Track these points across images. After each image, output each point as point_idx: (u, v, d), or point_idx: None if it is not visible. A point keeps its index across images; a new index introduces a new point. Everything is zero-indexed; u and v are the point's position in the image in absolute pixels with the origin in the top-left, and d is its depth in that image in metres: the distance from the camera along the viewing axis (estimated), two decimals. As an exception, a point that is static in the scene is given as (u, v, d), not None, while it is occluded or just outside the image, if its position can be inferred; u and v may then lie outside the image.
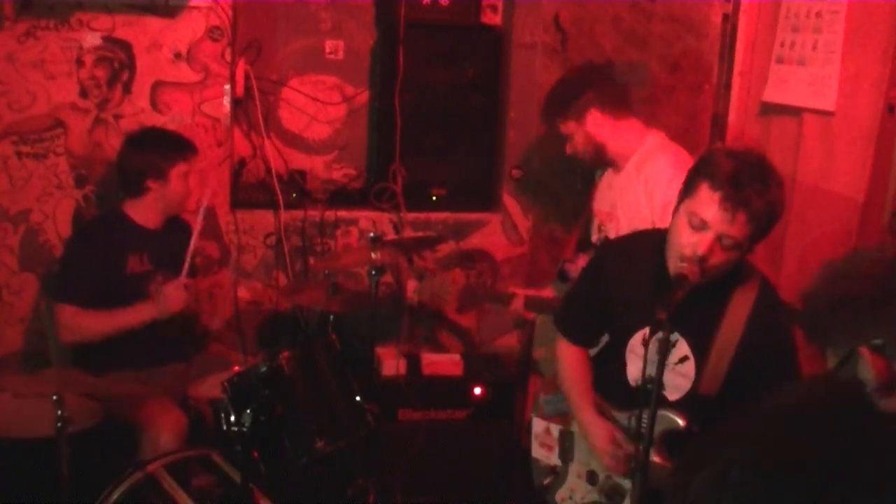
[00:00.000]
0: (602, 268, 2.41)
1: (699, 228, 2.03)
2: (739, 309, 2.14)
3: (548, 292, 3.32)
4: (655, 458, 2.17)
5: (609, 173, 3.08)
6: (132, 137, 3.26)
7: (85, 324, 3.08)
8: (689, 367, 2.19)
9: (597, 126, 2.94)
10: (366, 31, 4.00)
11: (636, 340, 2.26)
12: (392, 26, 3.72)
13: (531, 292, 3.34)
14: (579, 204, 3.88)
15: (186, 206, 3.35)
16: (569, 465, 2.45)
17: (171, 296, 3.06)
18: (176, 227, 3.34)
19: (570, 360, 2.45)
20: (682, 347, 2.18)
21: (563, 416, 2.48)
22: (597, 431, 2.31)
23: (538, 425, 2.54)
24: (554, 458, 2.49)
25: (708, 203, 2.00)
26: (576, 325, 2.47)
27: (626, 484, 2.27)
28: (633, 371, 2.28)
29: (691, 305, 2.01)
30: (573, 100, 2.95)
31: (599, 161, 3.05)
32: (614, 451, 2.27)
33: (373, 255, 3.17)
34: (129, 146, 3.23)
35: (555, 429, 2.49)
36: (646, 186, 2.84)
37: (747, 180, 1.98)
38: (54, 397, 2.36)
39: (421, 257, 3.92)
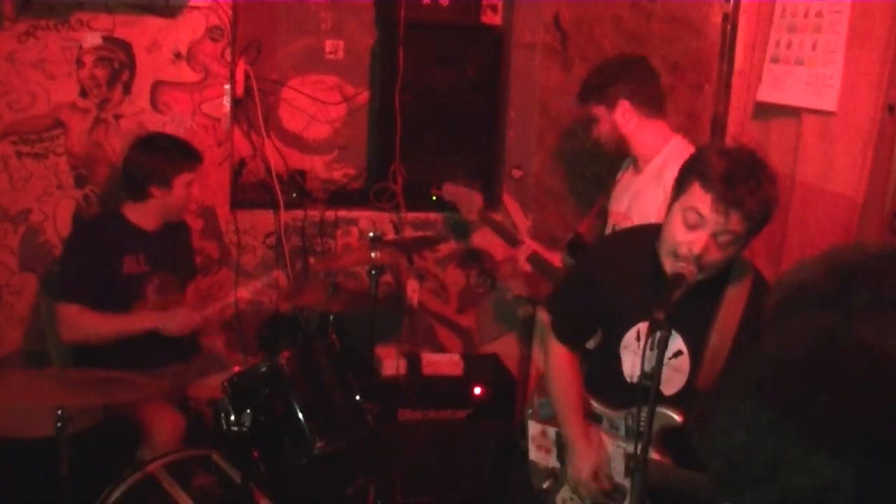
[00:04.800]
0: (595, 264, 2.41)
1: (694, 227, 2.03)
2: (734, 304, 2.14)
3: (556, 258, 3.30)
4: (654, 456, 2.17)
5: (629, 174, 3.06)
6: (141, 141, 3.25)
7: (86, 323, 3.09)
8: (684, 361, 2.20)
9: (625, 118, 2.91)
10: (366, 31, 4.00)
11: (630, 337, 2.26)
12: (392, 26, 3.72)
13: (540, 249, 3.31)
14: (579, 204, 3.89)
15: (185, 212, 3.38)
16: (567, 465, 2.44)
17: (180, 319, 3.11)
18: (174, 230, 3.35)
19: (559, 368, 2.43)
20: (675, 342, 2.18)
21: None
22: (581, 459, 2.32)
23: (534, 428, 2.53)
24: (552, 461, 2.48)
25: (701, 203, 2.00)
26: (567, 321, 2.46)
27: (627, 483, 2.26)
28: (628, 367, 2.28)
29: (685, 300, 2.01)
30: (608, 86, 2.93)
31: (619, 152, 3.03)
32: (589, 485, 2.30)
33: (373, 255, 3.17)
34: (137, 149, 3.22)
35: (551, 431, 2.47)
36: (665, 193, 2.81)
37: (739, 179, 1.98)
38: (55, 397, 2.36)
39: (421, 257, 3.93)
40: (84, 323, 3.09)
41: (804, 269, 0.94)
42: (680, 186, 2.09)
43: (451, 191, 3.56)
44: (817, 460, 0.80)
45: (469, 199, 3.50)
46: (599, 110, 2.96)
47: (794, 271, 0.96)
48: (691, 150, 2.91)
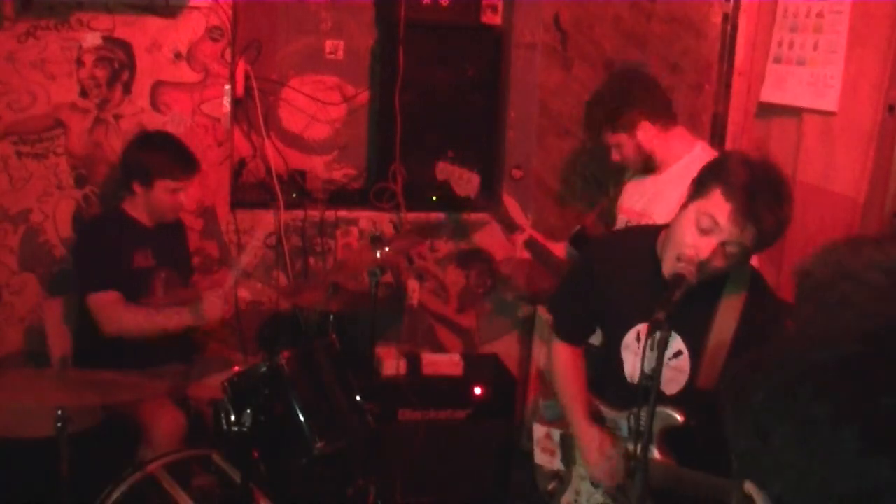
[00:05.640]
0: (594, 263, 2.40)
1: (706, 232, 2.02)
2: (733, 304, 2.14)
3: (559, 249, 3.28)
4: (656, 456, 2.17)
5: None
6: (139, 135, 3.27)
7: (126, 315, 3.07)
8: (684, 361, 2.19)
9: (647, 136, 2.90)
10: (366, 31, 4.00)
11: (631, 337, 2.26)
12: (392, 26, 3.72)
13: (539, 236, 3.29)
14: (579, 204, 3.89)
15: (176, 216, 3.32)
16: (572, 469, 2.44)
17: (212, 304, 3.07)
18: (172, 227, 3.34)
19: (563, 362, 2.43)
20: (675, 342, 2.18)
21: (563, 420, 2.46)
22: (587, 442, 2.30)
23: (539, 431, 2.52)
24: (557, 463, 2.48)
25: (719, 210, 1.99)
26: (568, 320, 2.46)
27: (630, 484, 2.26)
28: (630, 368, 2.28)
29: (684, 300, 2.01)
30: (622, 113, 2.90)
31: (646, 168, 3.01)
32: (602, 463, 2.27)
33: (377, 255, 3.16)
34: (133, 143, 3.24)
35: (556, 433, 2.47)
36: None
37: (762, 196, 1.96)
38: (55, 397, 2.36)
39: (421, 257, 3.92)
40: (123, 314, 3.07)
41: (848, 258, 0.91)
42: (698, 189, 2.06)
43: (446, 169, 3.42)
44: (871, 463, 0.77)
45: (466, 178, 3.42)
46: (620, 137, 2.94)
47: (847, 260, 0.93)
48: (715, 155, 2.91)
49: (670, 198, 2.84)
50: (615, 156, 3.01)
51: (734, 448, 0.89)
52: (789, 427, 0.83)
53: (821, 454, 0.80)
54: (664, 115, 2.91)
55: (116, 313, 3.07)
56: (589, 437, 2.30)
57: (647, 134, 2.89)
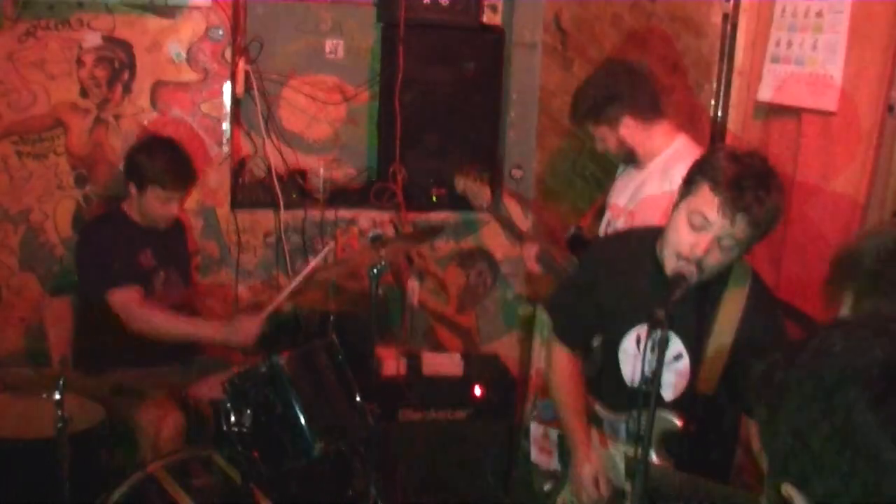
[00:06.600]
0: (594, 266, 2.40)
1: (699, 229, 2.03)
2: (732, 305, 2.14)
3: (563, 258, 3.28)
4: (654, 459, 2.17)
5: (630, 169, 3.05)
6: (146, 138, 3.26)
7: (154, 316, 3.06)
8: (684, 364, 2.19)
9: (630, 131, 2.90)
10: (366, 31, 4.00)
11: (629, 340, 2.26)
12: (392, 26, 3.72)
13: (549, 247, 3.28)
14: (579, 204, 3.89)
15: (166, 225, 3.26)
16: (569, 469, 2.44)
17: (246, 329, 3.06)
18: (174, 227, 3.34)
19: (562, 371, 2.42)
20: (675, 345, 2.18)
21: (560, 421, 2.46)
22: (583, 465, 2.29)
23: (536, 430, 2.52)
24: (553, 463, 2.48)
25: (708, 206, 2.00)
26: (568, 323, 2.45)
27: (628, 487, 2.26)
28: (628, 371, 2.27)
29: (684, 302, 2.01)
30: (606, 107, 2.89)
31: (629, 159, 3.02)
32: (592, 491, 2.27)
33: (381, 254, 3.16)
34: (137, 144, 3.23)
35: (553, 433, 2.47)
36: (672, 191, 2.79)
37: (749, 186, 1.97)
38: (55, 397, 2.36)
39: (421, 257, 3.92)
40: (150, 314, 3.05)
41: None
42: (688, 187, 2.08)
43: (462, 183, 3.52)
44: None
45: (479, 192, 3.48)
46: (602, 131, 2.94)
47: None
48: (696, 149, 2.91)
49: (650, 192, 2.85)
50: (599, 146, 3.02)
51: (767, 447, 0.88)
52: (831, 430, 0.82)
53: (866, 458, 0.80)
54: (648, 109, 2.90)
55: (138, 313, 3.05)
56: (584, 458, 2.30)
57: (630, 129, 2.89)
